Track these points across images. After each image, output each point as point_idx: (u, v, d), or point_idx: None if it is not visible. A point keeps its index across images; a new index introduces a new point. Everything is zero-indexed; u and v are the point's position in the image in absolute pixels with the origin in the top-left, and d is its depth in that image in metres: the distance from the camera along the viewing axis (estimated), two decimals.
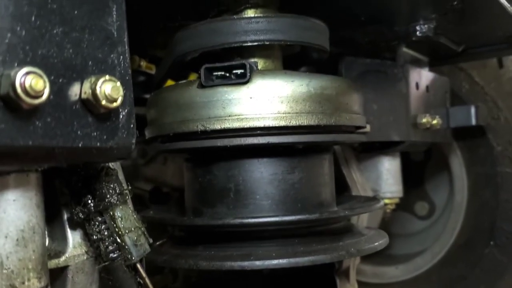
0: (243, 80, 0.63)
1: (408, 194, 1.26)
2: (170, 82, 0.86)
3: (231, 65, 0.64)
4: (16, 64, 0.39)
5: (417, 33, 0.88)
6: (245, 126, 0.62)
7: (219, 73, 0.64)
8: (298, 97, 0.64)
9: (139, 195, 1.13)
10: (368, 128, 0.83)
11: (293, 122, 0.63)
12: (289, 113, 0.63)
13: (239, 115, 0.62)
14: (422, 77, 1.10)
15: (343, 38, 0.92)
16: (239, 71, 0.64)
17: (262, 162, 0.65)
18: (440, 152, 1.40)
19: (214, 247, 0.65)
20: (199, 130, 0.63)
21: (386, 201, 1.15)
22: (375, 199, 0.80)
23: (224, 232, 0.66)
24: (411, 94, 1.04)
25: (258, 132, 0.63)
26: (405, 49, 1.04)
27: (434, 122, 1.08)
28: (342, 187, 1.02)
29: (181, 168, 0.76)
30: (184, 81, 0.71)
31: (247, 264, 0.58)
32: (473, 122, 1.19)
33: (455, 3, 0.78)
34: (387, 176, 1.15)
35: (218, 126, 0.62)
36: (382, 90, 1.02)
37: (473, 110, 1.19)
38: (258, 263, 0.57)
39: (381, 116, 1.00)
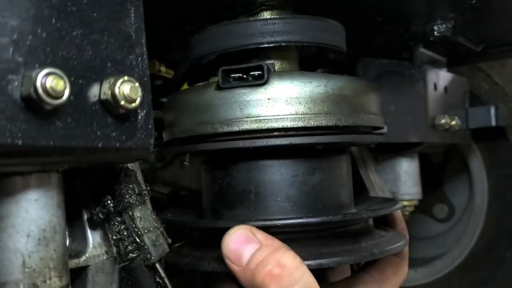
0: (260, 81, 0.63)
1: (427, 197, 1.25)
2: (186, 86, 0.87)
3: (249, 67, 0.64)
4: (37, 66, 0.40)
5: (435, 33, 0.87)
6: (263, 128, 0.62)
7: (237, 75, 0.64)
8: (316, 98, 0.63)
9: (157, 198, 1.14)
10: (385, 129, 0.82)
11: (312, 123, 0.62)
12: (307, 114, 0.63)
13: (257, 117, 0.62)
14: (440, 77, 1.09)
15: (360, 39, 0.92)
16: (256, 73, 0.64)
17: (283, 164, 0.65)
18: (460, 154, 1.38)
19: None
20: (216, 131, 0.63)
21: (405, 203, 1.13)
22: (392, 200, 0.80)
23: None
24: (429, 95, 1.03)
25: (276, 133, 0.63)
26: (422, 50, 1.03)
27: (453, 123, 1.07)
28: (359, 188, 1.01)
29: (198, 171, 0.76)
30: (202, 83, 0.71)
31: None
32: (493, 123, 1.18)
33: (474, 2, 0.77)
34: (405, 178, 1.14)
35: (236, 127, 0.62)
36: (400, 91, 1.01)
37: (492, 110, 1.18)
38: None
39: (399, 117, 1.00)
